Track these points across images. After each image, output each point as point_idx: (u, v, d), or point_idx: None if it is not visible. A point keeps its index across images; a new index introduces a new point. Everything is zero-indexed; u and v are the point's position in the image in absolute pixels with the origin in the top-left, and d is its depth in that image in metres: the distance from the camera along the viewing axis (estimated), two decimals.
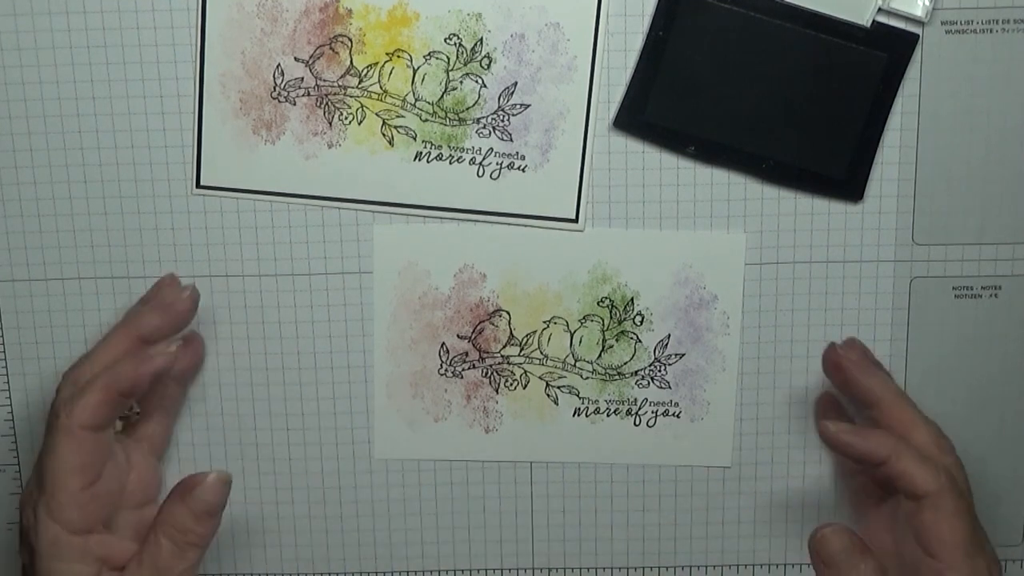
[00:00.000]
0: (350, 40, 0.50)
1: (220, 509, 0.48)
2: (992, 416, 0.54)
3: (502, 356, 0.53)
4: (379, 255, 0.52)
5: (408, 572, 0.56)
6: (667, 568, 0.55)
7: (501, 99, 0.50)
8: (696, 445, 0.53)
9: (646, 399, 0.53)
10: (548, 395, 0.53)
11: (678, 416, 0.53)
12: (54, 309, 0.53)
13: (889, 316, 0.53)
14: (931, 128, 0.51)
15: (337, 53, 0.50)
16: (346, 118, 0.51)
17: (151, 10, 0.50)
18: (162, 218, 0.52)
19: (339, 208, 0.52)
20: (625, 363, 0.53)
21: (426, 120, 0.51)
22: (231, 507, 0.55)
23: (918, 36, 0.50)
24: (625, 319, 0.52)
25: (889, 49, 0.50)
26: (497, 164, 0.51)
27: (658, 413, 0.53)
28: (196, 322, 0.53)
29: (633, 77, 0.51)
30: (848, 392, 0.51)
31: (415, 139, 0.51)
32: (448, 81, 0.50)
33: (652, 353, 0.53)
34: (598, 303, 0.52)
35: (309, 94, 0.51)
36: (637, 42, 0.50)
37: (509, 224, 0.52)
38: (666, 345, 0.52)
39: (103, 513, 0.48)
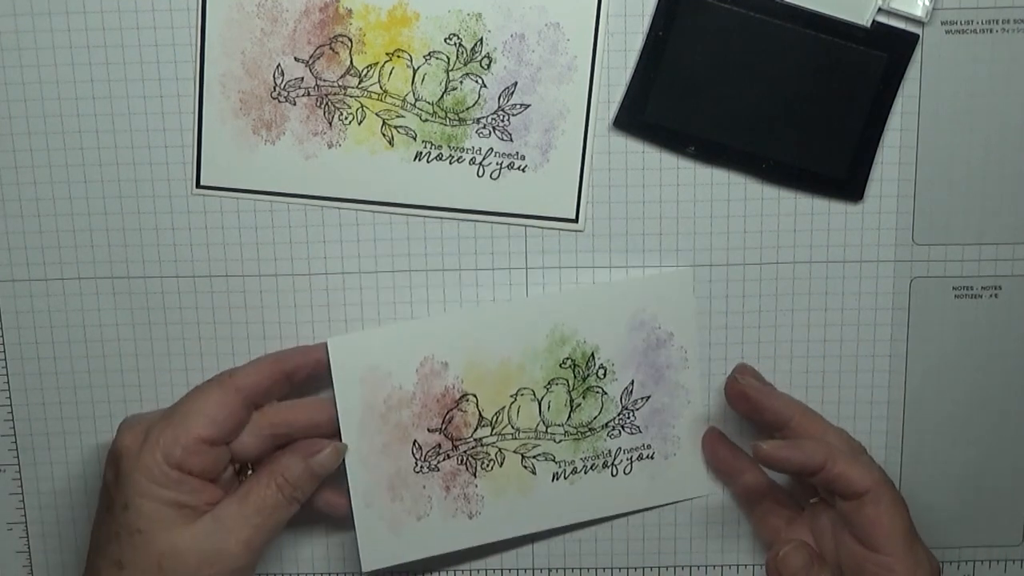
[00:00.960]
0: (350, 40, 0.50)
1: (328, 474, 0.51)
2: (992, 416, 0.54)
3: (475, 440, 0.52)
4: (337, 366, 0.51)
5: (408, 572, 0.55)
6: (667, 568, 0.55)
7: (501, 99, 0.50)
8: (672, 482, 0.54)
9: (620, 448, 0.53)
10: (525, 467, 0.53)
11: (652, 457, 0.53)
12: (54, 309, 0.53)
13: (889, 316, 0.53)
14: (931, 128, 0.51)
15: (337, 53, 0.50)
16: (346, 118, 0.51)
17: (151, 10, 0.50)
18: (162, 218, 0.52)
19: (339, 208, 0.52)
20: (595, 417, 0.53)
21: (426, 120, 0.51)
22: None
23: (918, 36, 0.50)
24: (589, 375, 0.52)
25: (889, 49, 0.50)
26: (497, 164, 0.51)
27: (633, 459, 0.53)
28: (196, 323, 0.53)
29: (633, 77, 0.51)
30: (758, 417, 0.51)
31: (415, 139, 0.51)
32: (448, 81, 0.50)
33: (619, 402, 0.53)
34: (560, 365, 0.52)
35: (309, 94, 0.51)
36: (637, 42, 0.50)
37: (509, 224, 0.52)
38: (631, 392, 0.53)
39: (205, 471, 0.48)
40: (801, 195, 0.52)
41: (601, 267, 0.52)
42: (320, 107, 0.51)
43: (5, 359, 0.54)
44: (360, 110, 0.51)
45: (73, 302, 0.53)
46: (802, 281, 0.53)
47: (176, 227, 0.52)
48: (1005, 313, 0.53)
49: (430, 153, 0.51)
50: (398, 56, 0.50)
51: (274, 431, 0.50)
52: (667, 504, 0.54)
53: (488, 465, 0.53)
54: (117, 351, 0.54)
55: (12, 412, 0.54)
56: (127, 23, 0.51)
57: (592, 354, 0.52)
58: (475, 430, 0.52)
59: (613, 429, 0.53)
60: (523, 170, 0.51)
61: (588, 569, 0.55)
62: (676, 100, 0.50)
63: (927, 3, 0.49)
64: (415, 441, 0.52)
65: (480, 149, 0.51)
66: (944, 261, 0.52)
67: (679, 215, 0.52)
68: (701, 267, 0.52)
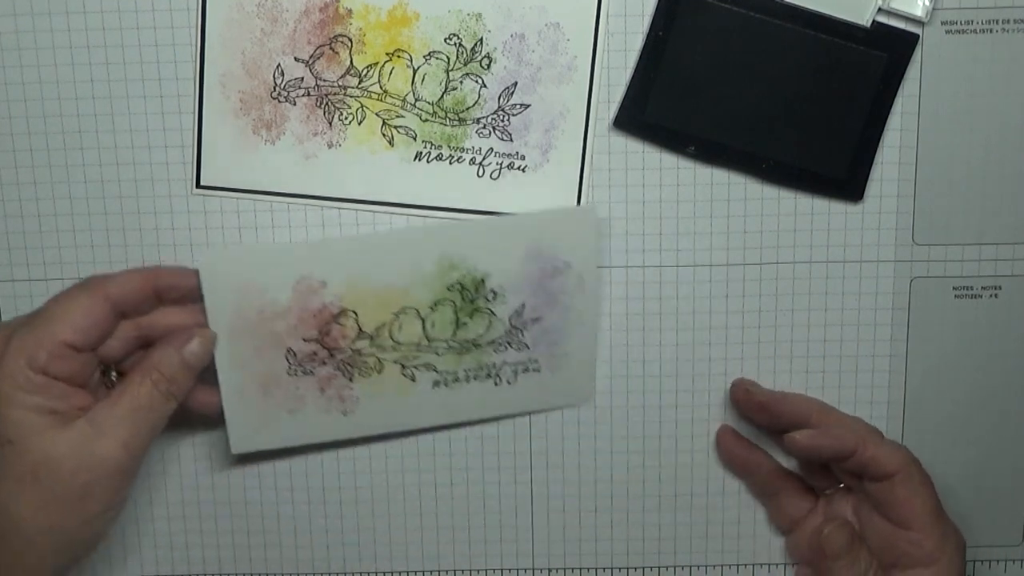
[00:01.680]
0: (350, 40, 0.50)
1: (203, 366, 0.49)
2: (992, 416, 0.54)
3: (352, 350, 0.51)
4: (209, 278, 0.49)
5: (408, 572, 0.55)
6: (667, 568, 0.55)
7: (501, 99, 0.50)
8: (557, 392, 0.53)
9: (504, 361, 0.52)
10: (405, 375, 0.52)
11: (538, 371, 0.52)
12: None
13: (889, 316, 0.53)
14: (931, 128, 0.51)
15: (337, 53, 0.50)
16: (346, 118, 0.51)
17: (151, 10, 0.50)
18: (162, 218, 0.52)
19: (339, 208, 0.52)
20: (480, 335, 0.51)
21: (426, 120, 0.51)
22: (230, 506, 0.55)
23: (918, 36, 0.50)
24: (477, 298, 0.51)
25: (889, 49, 0.50)
26: (497, 164, 0.51)
27: (518, 371, 0.52)
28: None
29: (633, 77, 0.51)
30: (776, 423, 0.52)
31: (415, 139, 0.51)
32: (448, 81, 0.50)
33: (507, 322, 0.51)
34: (448, 288, 0.51)
35: (309, 94, 0.51)
36: (637, 42, 0.50)
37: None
38: (521, 313, 0.51)
39: (72, 377, 0.47)
40: (801, 195, 0.52)
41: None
42: (320, 107, 0.51)
43: None
44: (360, 110, 0.51)
45: None
46: (802, 281, 0.53)
47: (176, 227, 0.52)
48: (1005, 313, 0.53)
49: (430, 153, 0.51)
50: (398, 56, 0.50)
51: (141, 334, 0.49)
52: (550, 409, 0.53)
53: (366, 372, 0.51)
54: None
55: None
56: (127, 23, 0.51)
57: (483, 280, 0.51)
58: (353, 341, 0.51)
59: (500, 345, 0.52)
60: (523, 170, 0.51)
61: (588, 569, 0.55)
62: (676, 100, 0.50)
63: (927, 3, 0.49)
64: (289, 348, 0.51)
65: (480, 149, 0.51)
66: (944, 261, 0.52)
67: (679, 215, 0.52)
68: (701, 267, 0.52)
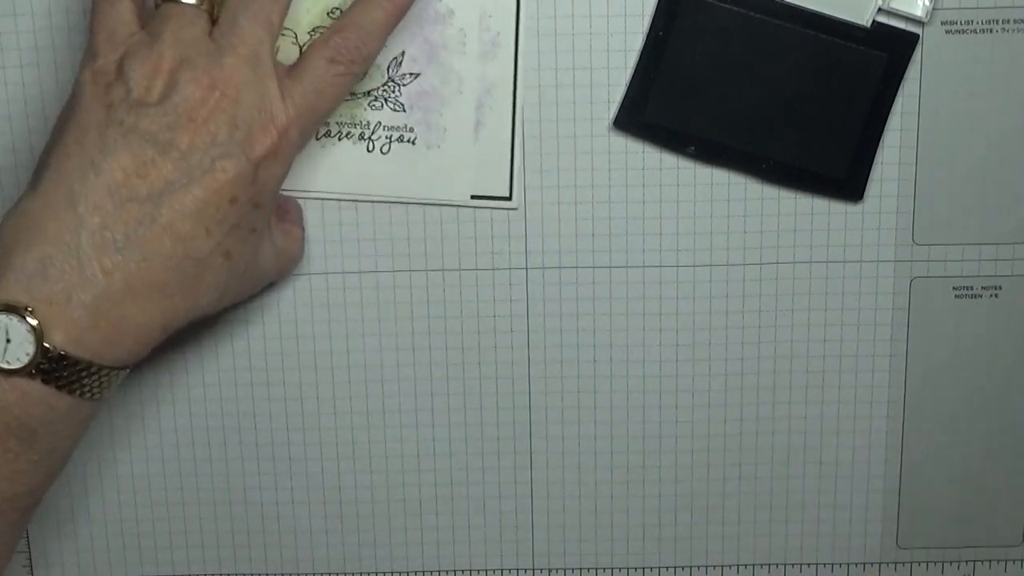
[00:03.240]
0: None
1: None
2: (992, 416, 0.54)
3: None
4: None
5: (408, 572, 0.56)
6: (667, 568, 0.55)
7: (390, 69, 0.50)
8: (434, 175, 0.51)
9: (380, 123, 0.51)
10: None
11: (413, 143, 0.51)
12: None
13: (889, 316, 0.53)
14: (931, 128, 0.51)
15: None
16: None
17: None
18: None
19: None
20: (358, 81, 0.50)
21: None
22: (230, 506, 0.55)
23: (918, 36, 0.50)
24: None
25: (889, 49, 0.50)
26: (387, 138, 0.50)
27: (392, 139, 0.51)
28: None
29: (633, 77, 0.51)
30: None
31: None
32: None
33: (386, 72, 0.50)
34: (328, 14, 0.49)
35: None
36: (637, 42, 0.50)
37: (439, 205, 0.52)
38: (400, 63, 0.50)
39: None
40: (801, 195, 0.52)
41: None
42: None
43: None
44: None
45: None
46: (802, 281, 0.53)
47: None
48: (1005, 313, 0.53)
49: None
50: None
51: None
52: (428, 202, 0.52)
53: None
54: None
55: None
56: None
57: None
58: None
59: (376, 99, 0.50)
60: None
61: (588, 569, 0.55)
62: (676, 100, 0.50)
63: (927, 3, 0.49)
64: None
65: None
66: (944, 261, 0.52)
67: (679, 215, 0.52)
68: (701, 267, 0.52)
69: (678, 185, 0.52)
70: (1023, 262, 0.52)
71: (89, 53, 0.43)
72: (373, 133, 0.51)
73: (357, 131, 0.51)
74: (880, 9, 0.49)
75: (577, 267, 0.52)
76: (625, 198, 0.52)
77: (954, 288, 0.52)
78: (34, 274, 0.40)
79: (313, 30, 0.49)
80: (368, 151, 0.51)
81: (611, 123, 0.51)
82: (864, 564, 0.55)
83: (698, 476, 0.54)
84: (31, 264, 0.40)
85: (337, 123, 0.50)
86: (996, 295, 0.52)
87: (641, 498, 0.55)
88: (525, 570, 0.55)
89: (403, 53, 0.50)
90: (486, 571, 0.55)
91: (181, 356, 0.54)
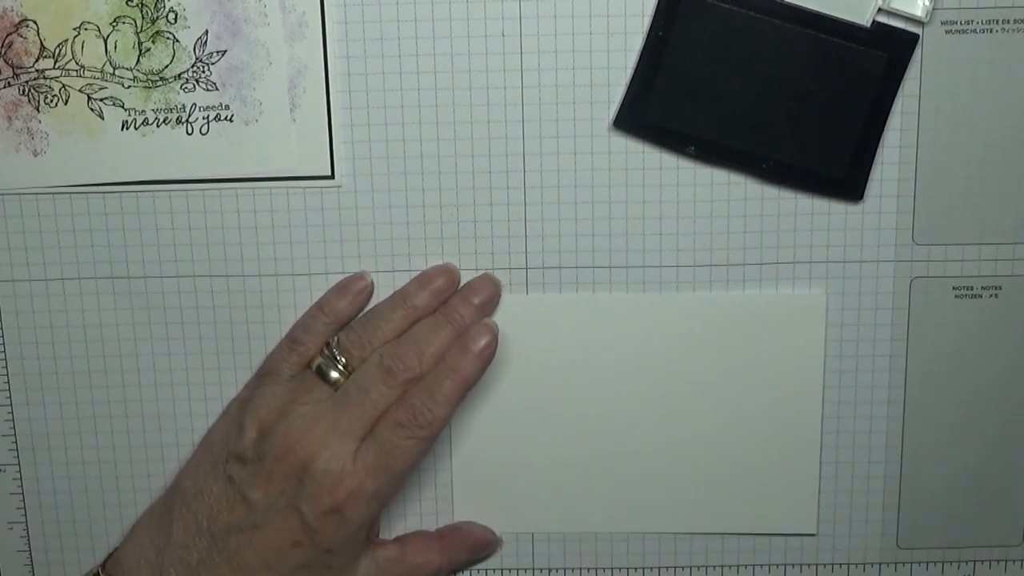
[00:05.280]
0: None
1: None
2: (992, 416, 0.54)
3: (37, 71, 0.50)
4: None
5: None
6: (667, 568, 0.55)
7: (196, 49, 0.50)
8: (257, 150, 0.51)
9: (195, 104, 0.50)
10: (92, 109, 0.50)
11: (231, 120, 0.51)
12: (54, 309, 0.53)
13: (889, 316, 0.53)
14: (931, 128, 0.51)
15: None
16: (51, 101, 0.50)
17: None
18: (161, 218, 0.52)
19: (70, 195, 0.52)
20: (166, 66, 0.50)
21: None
22: None
23: (918, 36, 0.50)
24: (159, 17, 0.49)
25: (889, 49, 0.50)
26: (204, 119, 0.50)
27: (209, 118, 0.51)
28: (197, 322, 0.53)
29: (633, 77, 0.51)
30: None
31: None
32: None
33: (193, 53, 0.50)
34: (127, 3, 0.49)
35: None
36: (637, 42, 0.50)
37: (261, 185, 0.52)
38: (205, 42, 0.50)
39: None
40: (801, 195, 0.52)
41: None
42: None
43: (5, 359, 0.54)
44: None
45: (73, 302, 0.53)
46: (802, 281, 0.53)
47: (176, 227, 0.52)
48: (1005, 313, 0.53)
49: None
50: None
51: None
52: (257, 179, 0.52)
53: (52, 101, 0.50)
54: (117, 351, 0.54)
55: (12, 412, 0.54)
56: None
57: None
58: (37, 60, 0.50)
59: (187, 82, 0.50)
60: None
61: (588, 569, 0.55)
62: (676, 100, 0.50)
63: (927, 3, 0.49)
64: None
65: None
66: (944, 261, 0.52)
67: (679, 215, 0.52)
68: (701, 267, 0.52)
69: (678, 185, 0.52)
70: (1023, 262, 0.52)
71: (245, 388, 0.53)
72: (190, 115, 0.51)
73: (174, 115, 0.50)
74: (880, 9, 0.49)
75: (577, 267, 0.52)
76: (625, 198, 0.52)
77: (954, 288, 0.52)
78: (128, 566, 0.50)
79: (115, 20, 0.49)
80: (188, 134, 0.51)
81: (611, 123, 0.51)
82: (864, 564, 0.55)
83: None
84: (129, 557, 0.51)
85: (153, 110, 0.50)
86: (996, 295, 0.52)
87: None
88: (525, 570, 0.55)
89: (207, 32, 0.50)
90: (486, 571, 0.55)
91: (182, 357, 0.54)
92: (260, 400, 0.50)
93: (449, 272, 0.52)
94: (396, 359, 0.49)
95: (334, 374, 0.49)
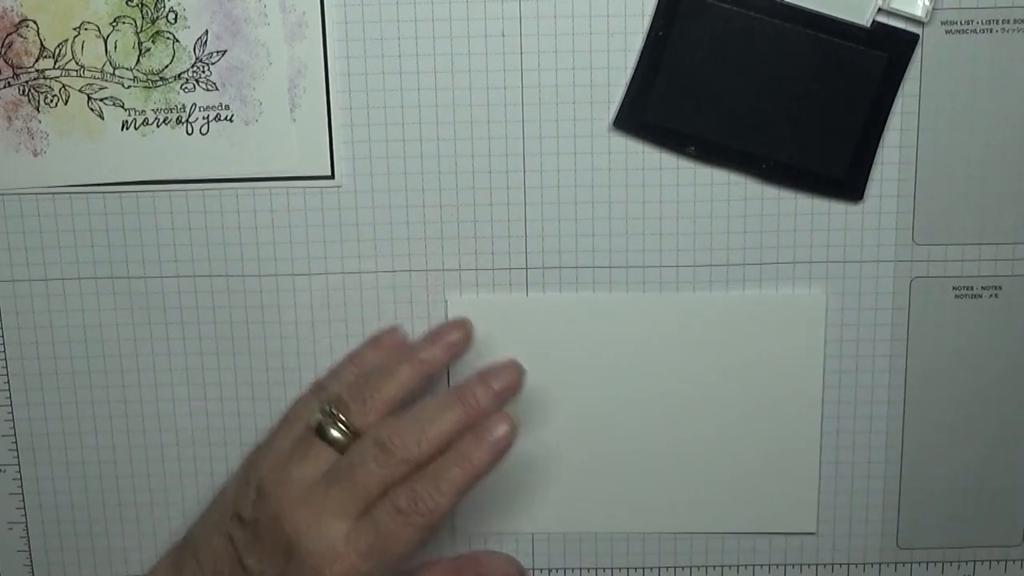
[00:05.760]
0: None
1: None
2: (992, 416, 0.54)
3: (37, 71, 0.50)
4: None
5: None
6: (667, 568, 0.55)
7: (196, 49, 0.50)
8: (256, 150, 0.51)
9: (195, 104, 0.50)
10: (92, 109, 0.50)
11: (231, 120, 0.51)
12: (54, 309, 0.53)
13: (889, 316, 0.53)
14: (931, 128, 0.51)
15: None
16: (51, 101, 0.50)
17: None
18: (161, 218, 0.52)
19: (70, 196, 0.52)
20: (166, 66, 0.50)
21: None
22: None
23: (918, 36, 0.50)
24: (159, 17, 0.49)
25: (889, 49, 0.50)
26: (204, 119, 0.50)
27: (209, 119, 0.51)
28: (197, 322, 0.53)
29: (633, 77, 0.51)
30: None
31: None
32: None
33: (193, 53, 0.50)
34: (127, 3, 0.49)
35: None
36: (637, 42, 0.50)
37: (260, 185, 0.52)
38: (205, 43, 0.50)
39: None
40: (801, 195, 0.52)
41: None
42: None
43: (5, 359, 0.54)
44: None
45: (73, 302, 0.53)
46: (802, 281, 0.53)
47: (176, 227, 0.52)
48: (1005, 313, 0.53)
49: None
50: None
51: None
52: (256, 179, 0.52)
53: (52, 101, 0.50)
54: (117, 351, 0.54)
55: (12, 412, 0.54)
56: None
57: None
58: (37, 60, 0.50)
59: (187, 82, 0.50)
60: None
61: (588, 569, 0.55)
62: (676, 100, 0.50)
63: (927, 3, 0.49)
64: None
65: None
66: (944, 261, 0.52)
67: (679, 215, 0.52)
68: (701, 267, 0.52)
69: (678, 185, 0.52)
70: (1023, 262, 0.52)
71: (269, 432, 0.52)
72: (190, 115, 0.51)
73: (174, 115, 0.51)
74: (880, 9, 0.49)
75: (577, 267, 0.52)
76: (625, 198, 0.52)
77: (954, 288, 0.52)
78: None
79: (115, 20, 0.49)
80: (188, 134, 0.51)
81: (611, 123, 0.51)
82: (864, 564, 0.55)
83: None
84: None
85: (153, 110, 0.51)
86: (996, 295, 0.52)
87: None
88: (525, 569, 0.55)
89: (207, 32, 0.50)
90: None
91: (182, 357, 0.54)
92: (263, 459, 0.49)
93: (464, 326, 0.50)
94: (393, 435, 0.45)
95: (334, 432, 0.47)
